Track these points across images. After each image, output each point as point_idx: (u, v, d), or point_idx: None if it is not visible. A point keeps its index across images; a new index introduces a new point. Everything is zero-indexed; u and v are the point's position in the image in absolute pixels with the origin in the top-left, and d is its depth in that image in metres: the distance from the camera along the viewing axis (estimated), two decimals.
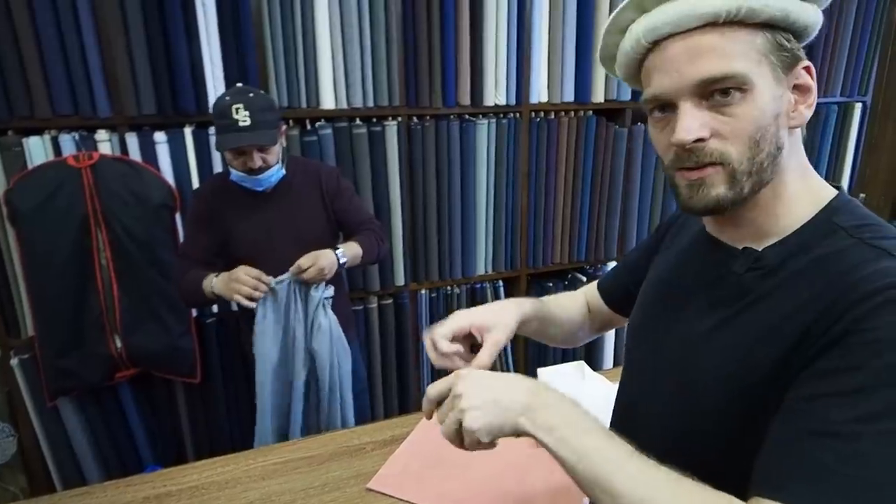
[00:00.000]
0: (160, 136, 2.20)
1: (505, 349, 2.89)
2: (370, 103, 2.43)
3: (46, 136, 2.10)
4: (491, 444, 0.74)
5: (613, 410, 0.98)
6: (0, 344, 2.20)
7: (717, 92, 0.68)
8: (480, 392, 0.73)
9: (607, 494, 0.63)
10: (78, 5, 2.02)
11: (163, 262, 2.20)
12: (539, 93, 2.66)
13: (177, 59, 2.13)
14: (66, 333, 2.16)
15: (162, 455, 2.47)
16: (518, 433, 0.71)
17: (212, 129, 2.14)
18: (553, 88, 2.68)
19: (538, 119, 2.69)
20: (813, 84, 0.72)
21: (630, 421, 0.91)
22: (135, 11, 2.05)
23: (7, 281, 2.18)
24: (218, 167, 2.28)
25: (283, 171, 1.90)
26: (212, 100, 2.12)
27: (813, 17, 0.71)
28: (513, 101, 2.62)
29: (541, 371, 1.83)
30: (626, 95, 2.77)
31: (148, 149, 2.20)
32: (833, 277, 0.65)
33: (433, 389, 0.78)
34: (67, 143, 2.10)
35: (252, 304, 1.78)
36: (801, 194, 0.73)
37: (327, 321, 1.90)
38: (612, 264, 3.02)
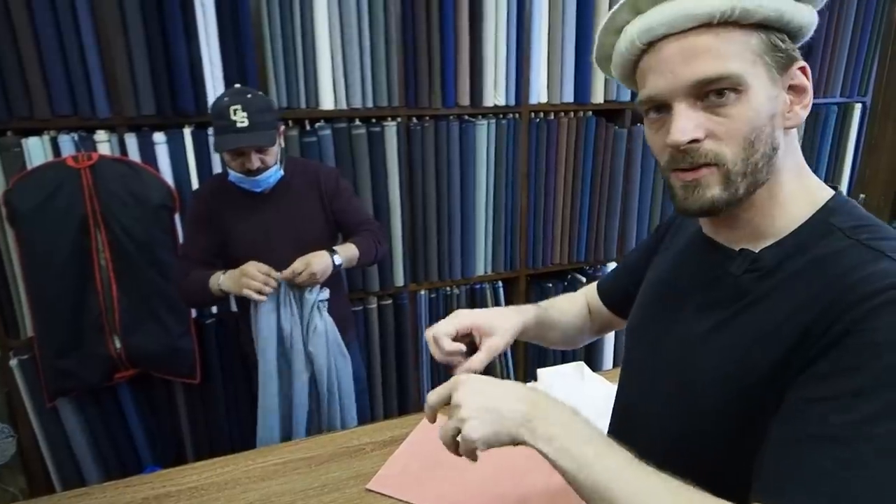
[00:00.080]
0: (159, 137, 2.20)
1: (505, 351, 2.89)
2: (369, 104, 2.43)
3: (45, 137, 2.10)
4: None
5: (612, 411, 0.98)
6: None
7: (712, 93, 0.68)
8: (479, 402, 0.73)
9: (607, 503, 0.63)
10: (77, 5, 2.02)
11: (162, 262, 2.20)
12: (538, 93, 2.66)
13: (176, 59, 2.13)
14: (65, 334, 2.16)
15: (161, 456, 2.47)
16: (516, 443, 0.71)
17: (211, 130, 2.14)
18: (553, 89, 2.68)
19: (538, 119, 2.69)
20: (808, 84, 0.71)
21: (629, 421, 0.91)
22: (134, 12, 2.05)
23: (6, 281, 2.18)
24: (217, 168, 2.28)
25: (282, 172, 1.90)
26: (211, 100, 2.12)
27: (808, 18, 0.71)
28: (512, 102, 2.62)
29: (540, 372, 1.83)
30: (626, 96, 2.77)
31: (147, 149, 2.20)
32: (831, 279, 0.64)
33: (433, 396, 0.79)
34: (66, 143, 2.10)
35: (263, 298, 1.78)
36: (798, 195, 0.73)
37: (323, 323, 1.90)
38: (611, 265, 3.02)
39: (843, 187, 3.27)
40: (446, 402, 0.78)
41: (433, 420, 0.81)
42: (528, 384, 1.73)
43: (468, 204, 2.68)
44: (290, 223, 1.93)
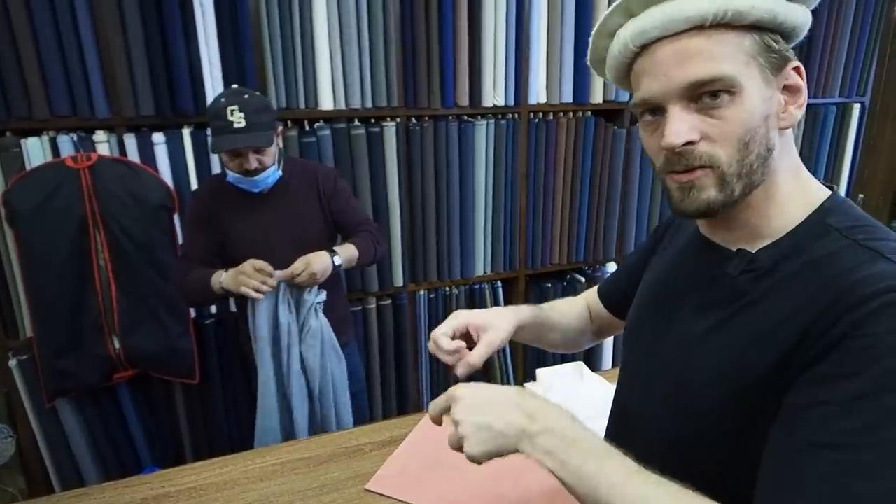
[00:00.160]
0: (158, 137, 2.20)
1: (504, 350, 2.90)
2: (368, 104, 2.43)
3: (45, 137, 2.10)
4: None
5: (611, 411, 0.98)
6: None
7: (706, 95, 0.68)
8: (476, 419, 0.73)
9: None
10: (76, 6, 2.02)
11: (161, 262, 2.20)
12: (538, 93, 2.66)
13: (175, 59, 2.13)
14: (64, 334, 2.16)
15: (160, 456, 2.47)
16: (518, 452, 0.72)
17: (210, 130, 2.14)
18: (552, 89, 2.68)
19: (537, 120, 2.69)
20: (803, 84, 0.71)
21: (627, 422, 0.91)
22: (133, 12, 2.05)
23: (5, 282, 2.18)
24: (216, 168, 2.28)
25: (280, 173, 1.90)
26: (210, 100, 2.11)
27: (801, 18, 0.71)
28: (511, 102, 2.62)
29: (540, 372, 1.83)
30: (625, 96, 2.77)
31: (146, 149, 2.20)
32: (828, 280, 0.64)
33: (433, 408, 0.81)
34: (66, 143, 2.10)
35: (260, 297, 1.78)
36: (794, 195, 0.73)
37: (318, 324, 1.91)
38: (610, 265, 3.02)
39: (842, 187, 3.27)
40: (446, 411, 0.79)
41: (440, 424, 0.81)
42: (527, 384, 1.74)
43: (467, 204, 2.68)
44: (288, 223, 1.93)
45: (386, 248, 2.43)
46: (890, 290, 0.59)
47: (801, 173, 0.75)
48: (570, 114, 2.74)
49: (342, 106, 2.39)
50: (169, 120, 2.21)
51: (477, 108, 2.59)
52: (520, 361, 2.99)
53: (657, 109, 0.72)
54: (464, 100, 2.54)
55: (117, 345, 2.22)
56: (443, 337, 0.98)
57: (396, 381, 2.80)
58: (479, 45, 2.51)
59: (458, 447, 0.75)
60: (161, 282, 2.20)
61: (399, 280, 2.66)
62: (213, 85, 2.21)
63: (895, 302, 0.58)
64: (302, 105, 2.35)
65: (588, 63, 0.85)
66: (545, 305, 1.18)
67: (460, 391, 0.78)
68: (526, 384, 1.78)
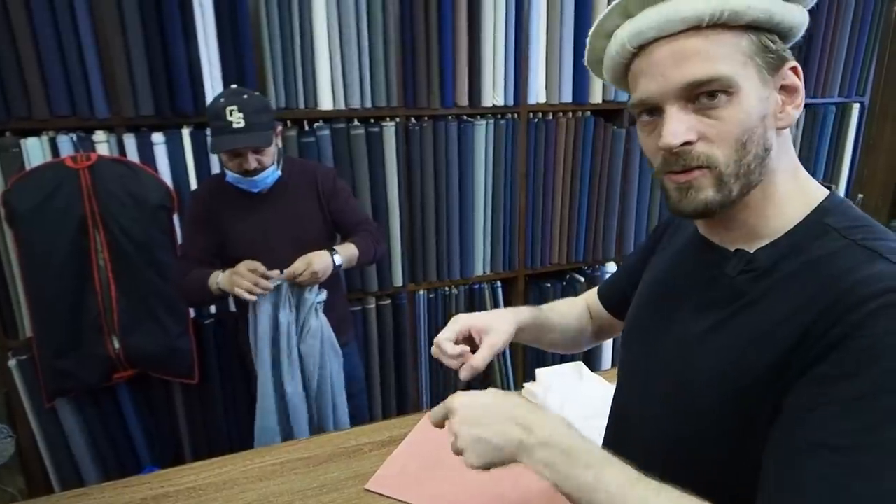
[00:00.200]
0: (158, 137, 2.20)
1: (504, 351, 2.90)
2: (368, 104, 2.43)
3: (44, 137, 2.10)
4: None
5: (610, 412, 0.98)
6: None
7: (703, 95, 0.68)
8: (473, 433, 0.74)
9: None
10: (75, 6, 2.02)
11: (161, 262, 2.20)
12: (537, 93, 2.66)
13: (174, 59, 2.13)
14: (63, 334, 2.16)
15: (160, 456, 2.47)
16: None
17: (209, 130, 2.14)
18: (551, 89, 2.68)
19: (536, 120, 2.69)
20: (800, 84, 0.72)
21: (626, 421, 0.91)
22: (132, 12, 2.05)
23: (5, 282, 2.18)
24: (216, 168, 2.28)
25: (279, 173, 1.90)
26: (209, 100, 2.11)
27: (798, 18, 0.71)
28: (511, 102, 2.62)
29: (539, 372, 1.83)
30: (624, 96, 2.76)
31: (146, 150, 2.20)
32: (827, 280, 0.64)
33: (432, 417, 0.82)
34: (65, 143, 2.10)
35: (253, 298, 1.78)
36: (792, 195, 0.73)
37: (318, 324, 1.91)
38: (610, 265, 3.02)
39: (842, 187, 3.27)
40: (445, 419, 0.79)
41: (442, 427, 0.82)
42: (527, 384, 1.74)
43: (467, 204, 2.68)
44: (288, 223, 1.93)
45: (385, 247, 2.43)
46: (889, 291, 0.59)
47: (799, 173, 0.75)
48: (570, 114, 2.74)
49: (341, 106, 2.39)
50: (168, 120, 2.21)
51: (476, 108, 2.59)
52: (519, 362, 3.00)
53: (655, 110, 0.72)
54: (463, 100, 2.54)
55: (117, 345, 2.22)
56: (447, 342, 0.99)
57: (396, 381, 2.80)
58: (479, 45, 2.51)
59: (459, 453, 0.76)
60: (160, 282, 2.20)
61: (398, 280, 2.66)
62: (213, 85, 2.21)
63: (894, 302, 0.58)
64: (301, 105, 2.35)
65: (586, 64, 0.85)
66: (545, 306, 1.18)
67: (457, 402, 0.78)
68: (525, 384, 1.79)
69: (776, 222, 0.73)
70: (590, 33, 0.79)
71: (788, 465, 0.61)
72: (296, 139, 2.34)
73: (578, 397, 1.67)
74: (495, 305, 2.88)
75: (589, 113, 2.78)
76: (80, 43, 2.06)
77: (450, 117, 2.57)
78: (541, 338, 1.15)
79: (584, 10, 2.60)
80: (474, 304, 2.84)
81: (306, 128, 2.41)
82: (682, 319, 0.80)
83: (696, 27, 0.67)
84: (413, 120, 2.53)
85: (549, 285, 2.95)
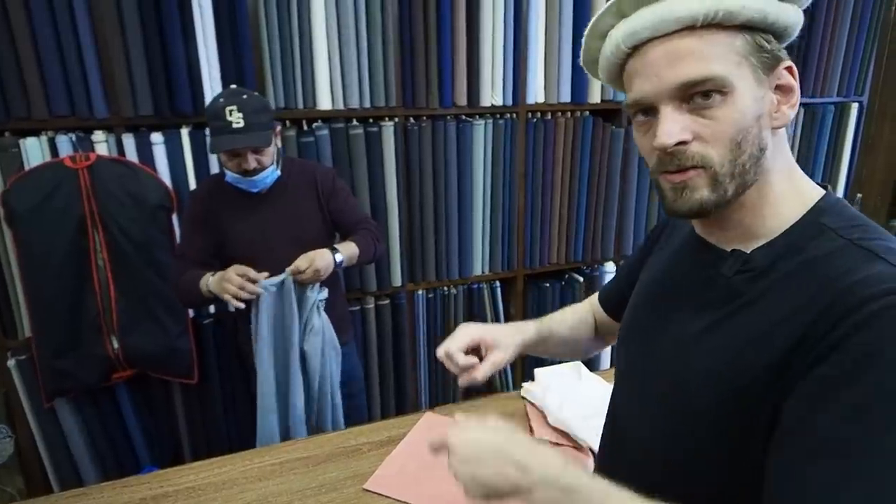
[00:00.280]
0: (157, 137, 2.20)
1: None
2: (367, 104, 2.43)
3: (43, 137, 2.10)
4: None
5: (608, 411, 0.98)
6: None
7: (698, 95, 0.68)
8: (470, 472, 0.75)
9: None
10: (74, 6, 2.02)
11: (160, 262, 2.19)
12: (536, 93, 2.66)
13: (173, 59, 2.13)
14: (62, 334, 2.16)
15: (159, 456, 2.47)
16: None
17: (209, 130, 2.14)
18: (550, 89, 2.69)
19: (535, 119, 2.69)
20: (795, 84, 0.71)
21: (624, 421, 0.91)
22: (131, 12, 2.05)
23: (4, 282, 2.18)
24: (215, 168, 2.28)
25: (278, 173, 1.90)
26: (208, 101, 2.11)
27: (793, 18, 0.71)
28: (509, 102, 2.63)
29: (538, 371, 1.84)
30: (623, 96, 2.77)
31: (145, 150, 2.20)
32: (826, 281, 0.64)
33: (431, 447, 0.83)
34: (64, 143, 2.10)
35: (240, 305, 1.77)
36: (789, 195, 0.73)
37: (320, 322, 1.91)
38: (608, 265, 3.02)
39: (840, 187, 3.28)
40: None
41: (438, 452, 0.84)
42: (525, 384, 1.75)
43: (465, 204, 2.69)
44: (287, 223, 1.93)
45: (385, 246, 2.43)
46: (890, 293, 0.59)
47: (794, 173, 0.75)
48: (569, 113, 2.75)
49: (340, 106, 2.39)
50: (167, 120, 2.21)
51: (475, 107, 2.59)
52: (518, 362, 3.00)
53: (649, 110, 0.73)
54: (462, 100, 2.54)
55: (116, 345, 2.22)
56: (459, 353, 1.03)
57: (395, 381, 2.80)
58: (478, 45, 2.51)
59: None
60: (159, 282, 2.20)
61: (398, 280, 2.67)
62: (212, 85, 2.21)
63: (894, 305, 0.58)
64: (300, 105, 2.35)
65: (581, 64, 0.86)
66: (550, 317, 1.20)
67: (454, 440, 0.78)
68: (524, 384, 1.79)
69: (772, 222, 0.73)
70: (585, 33, 0.80)
71: (789, 470, 0.61)
72: (295, 139, 2.34)
73: (577, 397, 1.67)
74: (494, 305, 2.88)
75: (588, 113, 2.78)
76: (80, 43, 2.06)
77: (448, 117, 2.57)
78: (546, 350, 1.18)
79: (583, 9, 2.60)
80: (473, 303, 2.84)
81: (305, 128, 2.41)
82: (679, 319, 0.80)
83: (691, 27, 0.68)
84: (412, 120, 2.53)
85: (547, 285, 2.95)
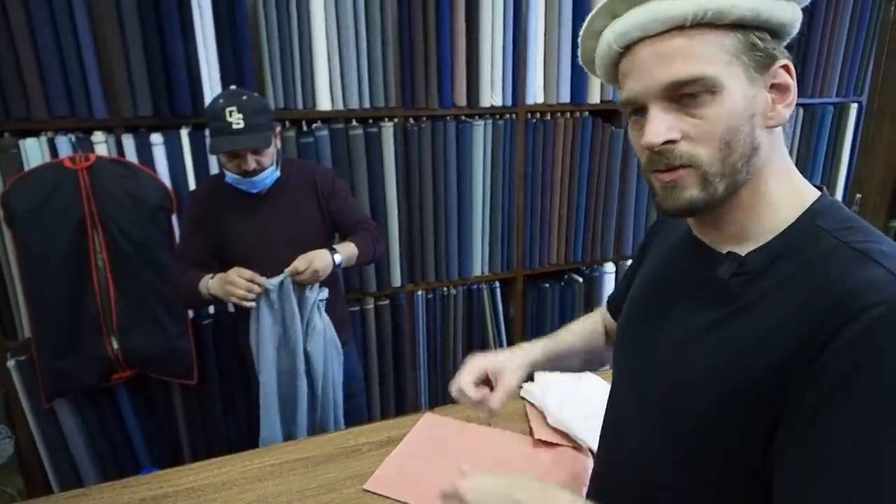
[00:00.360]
0: (157, 138, 2.20)
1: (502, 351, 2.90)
2: (366, 104, 2.43)
3: (43, 138, 2.10)
4: None
5: (605, 411, 0.98)
6: None
7: (686, 94, 0.68)
8: None
9: None
10: (74, 6, 2.02)
11: (159, 263, 2.20)
12: (535, 94, 2.66)
13: (173, 60, 2.13)
14: (62, 335, 2.16)
15: (159, 457, 2.47)
16: None
17: (208, 131, 2.15)
18: (549, 89, 2.69)
19: (534, 120, 2.69)
20: (792, 83, 0.71)
21: (622, 421, 0.91)
22: (131, 12, 2.05)
23: (3, 283, 2.18)
24: (214, 169, 2.28)
25: (278, 173, 1.90)
26: (208, 101, 2.11)
27: (789, 15, 0.70)
28: (509, 102, 2.63)
29: (537, 372, 1.83)
30: None
31: (144, 150, 2.20)
32: (822, 284, 0.64)
33: (441, 494, 0.85)
34: (64, 144, 2.10)
35: (250, 304, 1.78)
36: (785, 196, 0.73)
37: (322, 323, 1.91)
38: (608, 265, 3.03)
39: (840, 187, 3.28)
40: None
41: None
42: (525, 384, 1.74)
43: (465, 204, 2.69)
44: (286, 224, 1.93)
45: (385, 247, 2.43)
46: (887, 301, 0.58)
47: (792, 174, 0.75)
48: (568, 114, 2.75)
49: (340, 106, 2.39)
50: (167, 121, 2.21)
51: (474, 108, 2.59)
52: None
53: (641, 109, 0.73)
54: (461, 100, 2.54)
55: (115, 345, 2.22)
56: (469, 386, 1.06)
57: (394, 381, 2.80)
58: (477, 45, 2.51)
59: None
60: (159, 282, 2.20)
61: (397, 280, 2.67)
62: (211, 86, 2.21)
63: (891, 314, 0.58)
64: (300, 106, 2.35)
65: (581, 63, 0.86)
66: (561, 331, 1.20)
67: (464, 488, 0.81)
68: (524, 384, 1.79)
69: (768, 223, 0.73)
70: (580, 33, 0.80)
71: (793, 482, 0.61)
72: (294, 140, 2.34)
73: (577, 397, 1.67)
74: (494, 306, 2.88)
75: (587, 113, 2.78)
76: (79, 43, 2.06)
77: (448, 118, 2.57)
78: (561, 365, 1.18)
79: (582, 10, 2.60)
80: (473, 304, 2.85)
81: (305, 128, 2.42)
82: (677, 318, 0.80)
83: (681, 27, 0.67)
84: (411, 120, 2.53)
85: (547, 285, 2.95)
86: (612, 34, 0.73)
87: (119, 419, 2.40)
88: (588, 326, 1.21)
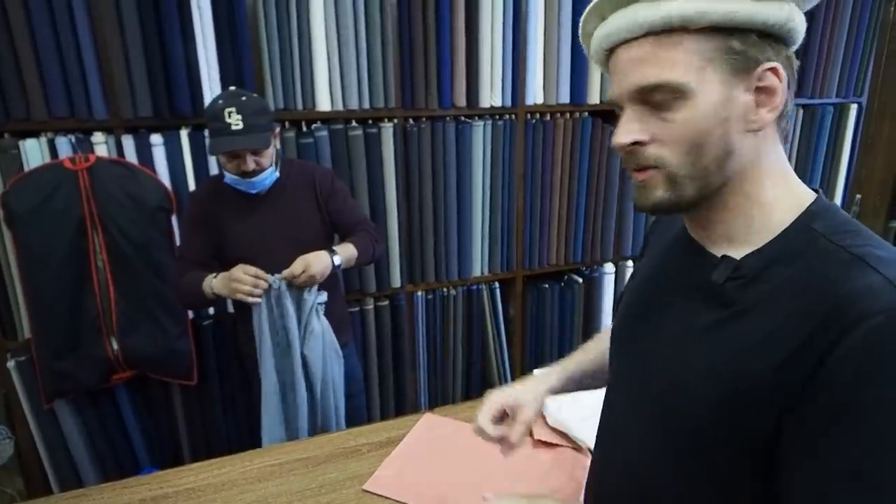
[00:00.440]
0: (156, 139, 2.20)
1: (502, 352, 2.91)
2: (366, 105, 2.43)
3: (43, 139, 2.10)
4: None
5: (602, 410, 0.97)
6: None
7: (656, 98, 0.69)
8: None
9: None
10: (74, 6, 2.02)
11: (159, 264, 2.20)
12: (535, 94, 2.67)
13: (173, 60, 2.13)
14: (62, 336, 2.16)
15: (158, 457, 2.47)
16: None
17: (208, 132, 2.15)
18: (549, 90, 2.69)
19: (534, 121, 2.69)
20: (779, 86, 0.69)
21: (619, 420, 0.90)
22: (130, 13, 2.05)
23: (3, 283, 2.18)
24: (214, 169, 2.28)
25: (277, 174, 1.90)
26: (208, 102, 2.11)
27: (775, 15, 0.67)
28: (509, 103, 2.63)
29: (537, 373, 1.83)
30: None
31: (144, 151, 2.20)
32: (819, 289, 0.63)
33: None
34: (64, 145, 2.10)
35: (256, 300, 1.78)
36: (780, 199, 0.72)
37: (320, 326, 1.91)
38: (608, 265, 3.03)
39: (840, 187, 3.28)
40: None
41: None
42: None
43: (465, 205, 2.69)
44: (286, 224, 1.93)
45: (384, 247, 2.43)
46: (887, 309, 0.58)
47: (787, 176, 0.74)
48: (567, 114, 2.75)
49: (339, 107, 2.40)
50: (167, 121, 2.21)
51: (474, 108, 2.59)
52: (517, 363, 3.00)
53: (623, 109, 0.74)
54: (461, 101, 2.55)
55: (115, 346, 2.22)
56: (488, 424, 1.09)
57: (394, 382, 2.80)
58: (477, 46, 2.51)
59: None
60: (159, 283, 2.20)
61: (397, 281, 2.67)
62: (211, 86, 2.21)
63: (891, 323, 0.58)
64: (299, 106, 2.35)
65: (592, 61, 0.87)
66: (576, 353, 1.22)
67: None
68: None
69: (762, 226, 0.72)
70: (579, 33, 0.81)
71: (803, 498, 0.62)
72: (294, 140, 2.34)
73: (576, 398, 1.66)
74: (493, 306, 2.88)
75: (586, 114, 2.78)
76: (79, 44, 2.06)
77: (448, 118, 2.58)
78: (581, 387, 1.20)
79: (582, 10, 2.58)
80: (472, 304, 2.85)
81: (304, 129, 2.42)
82: (674, 318, 0.79)
83: (657, 32, 0.68)
84: (411, 121, 2.53)
85: (546, 286, 2.95)
86: (599, 36, 0.74)
87: (119, 420, 2.40)
88: (602, 345, 1.21)
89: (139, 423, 2.43)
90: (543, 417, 1.62)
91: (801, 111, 3.06)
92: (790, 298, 0.66)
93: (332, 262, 1.86)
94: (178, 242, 2.20)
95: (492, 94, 2.60)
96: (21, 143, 2.07)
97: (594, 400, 1.61)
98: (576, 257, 2.95)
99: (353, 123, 2.43)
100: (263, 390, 1.91)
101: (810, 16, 2.85)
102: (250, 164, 1.78)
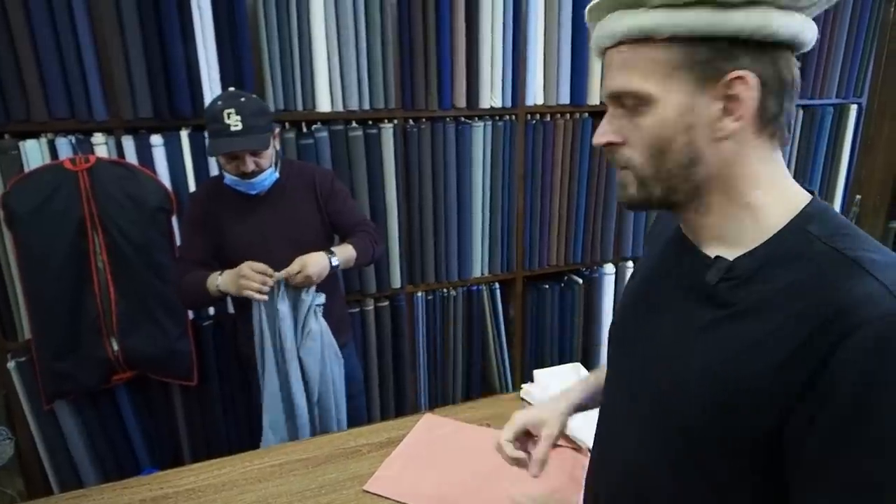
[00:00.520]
0: (157, 139, 2.20)
1: (502, 352, 2.91)
2: (366, 106, 2.43)
3: (43, 140, 2.10)
4: None
5: (600, 411, 0.97)
6: None
7: (628, 103, 0.72)
8: None
9: None
10: (74, 7, 2.02)
11: (159, 264, 2.20)
12: (535, 95, 2.67)
13: (173, 61, 2.13)
14: (62, 336, 2.16)
15: (159, 458, 2.47)
16: None
17: (207, 133, 2.15)
18: (549, 91, 2.69)
19: (534, 121, 2.70)
20: (746, 94, 0.67)
21: (616, 420, 0.90)
22: (130, 13, 2.06)
23: (4, 284, 2.18)
24: (214, 170, 2.28)
25: (277, 175, 1.90)
26: (208, 102, 2.11)
27: (741, 22, 0.65)
28: (509, 104, 2.63)
29: (537, 373, 1.84)
30: None
31: (144, 152, 2.20)
32: (817, 290, 0.63)
33: None
34: (64, 146, 2.10)
35: (264, 297, 1.78)
36: (773, 203, 0.72)
37: (318, 327, 1.91)
38: (608, 266, 3.03)
39: (840, 187, 3.28)
40: None
41: None
42: (525, 385, 1.75)
43: (465, 205, 2.69)
44: (285, 225, 1.93)
45: (384, 248, 2.43)
46: (886, 316, 0.58)
47: (779, 181, 0.73)
48: (567, 115, 2.75)
49: (340, 108, 2.40)
50: (167, 122, 2.21)
51: (474, 109, 2.59)
52: (518, 363, 3.00)
53: None
54: (461, 101, 2.55)
55: (115, 347, 2.22)
56: (509, 446, 1.12)
57: (394, 382, 2.80)
58: (477, 46, 2.51)
59: None
60: (159, 284, 2.20)
61: (397, 281, 2.67)
62: (211, 87, 2.21)
63: (891, 329, 0.58)
64: (299, 107, 2.35)
65: (593, 62, 0.90)
66: (600, 369, 1.20)
67: None
68: (524, 385, 1.79)
69: (754, 229, 0.72)
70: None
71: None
72: (294, 141, 2.34)
73: None
74: (493, 307, 2.88)
75: (587, 114, 2.78)
76: (79, 45, 2.06)
77: (448, 119, 2.58)
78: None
79: (582, 11, 2.59)
80: (472, 305, 2.85)
81: (304, 130, 2.42)
82: (671, 318, 0.79)
83: (631, 41, 0.71)
84: (411, 122, 2.53)
85: (546, 286, 2.95)
86: (594, 38, 0.77)
87: (119, 420, 2.40)
88: None
89: (139, 424, 2.43)
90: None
91: (801, 111, 3.06)
92: (788, 300, 0.65)
93: (330, 263, 1.86)
94: (178, 243, 2.20)
95: (492, 95, 2.60)
96: (21, 143, 2.07)
97: None
98: (576, 258, 2.95)
99: (353, 124, 2.43)
100: (264, 391, 1.91)
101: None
102: (249, 164, 1.78)
